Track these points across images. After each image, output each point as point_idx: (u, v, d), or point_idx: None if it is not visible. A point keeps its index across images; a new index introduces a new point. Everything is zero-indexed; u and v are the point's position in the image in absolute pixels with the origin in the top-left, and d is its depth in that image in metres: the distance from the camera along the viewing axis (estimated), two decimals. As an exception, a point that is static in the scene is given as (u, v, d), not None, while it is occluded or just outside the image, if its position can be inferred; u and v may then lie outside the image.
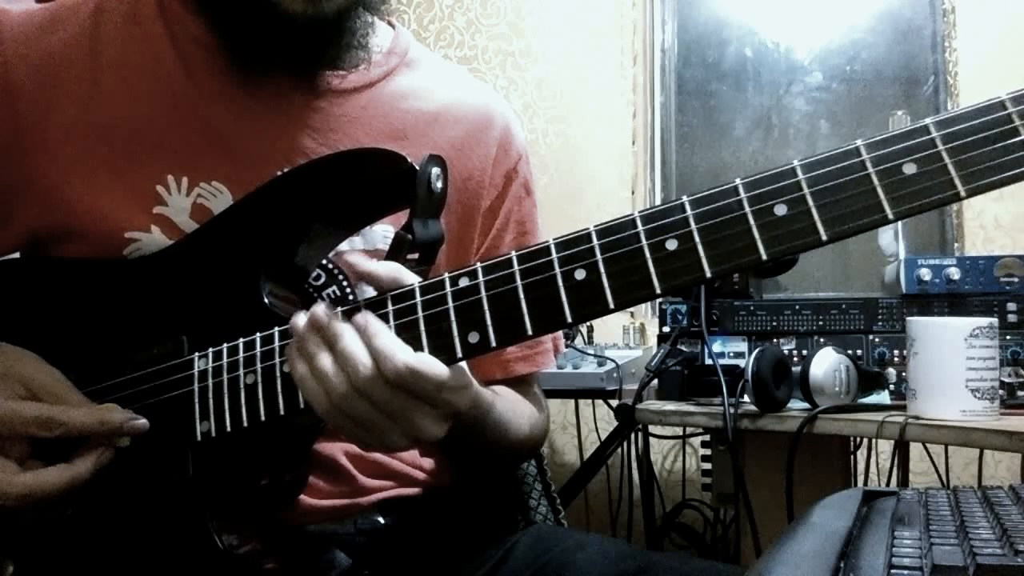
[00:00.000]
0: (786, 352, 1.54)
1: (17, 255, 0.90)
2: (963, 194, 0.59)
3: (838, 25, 2.64)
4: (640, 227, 0.65)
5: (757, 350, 1.44)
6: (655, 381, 1.60)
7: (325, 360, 0.69)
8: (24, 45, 0.86)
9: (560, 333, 1.04)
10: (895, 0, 2.61)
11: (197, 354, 0.77)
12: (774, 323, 1.59)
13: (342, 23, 0.85)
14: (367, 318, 0.70)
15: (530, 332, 0.67)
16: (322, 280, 0.88)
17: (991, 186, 0.59)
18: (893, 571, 0.46)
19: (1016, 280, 1.52)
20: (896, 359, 1.53)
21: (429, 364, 0.68)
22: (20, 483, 0.74)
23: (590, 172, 2.71)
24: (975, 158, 0.59)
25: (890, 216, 0.60)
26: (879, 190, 0.60)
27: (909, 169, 0.60)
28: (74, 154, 0.85)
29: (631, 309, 2.59)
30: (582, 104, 2.74)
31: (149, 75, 0.87)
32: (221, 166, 0.86)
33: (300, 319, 0.71)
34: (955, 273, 1.53)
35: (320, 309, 0.70)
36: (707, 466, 1.79)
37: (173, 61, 0.88)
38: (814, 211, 0.62)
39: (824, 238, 0.62)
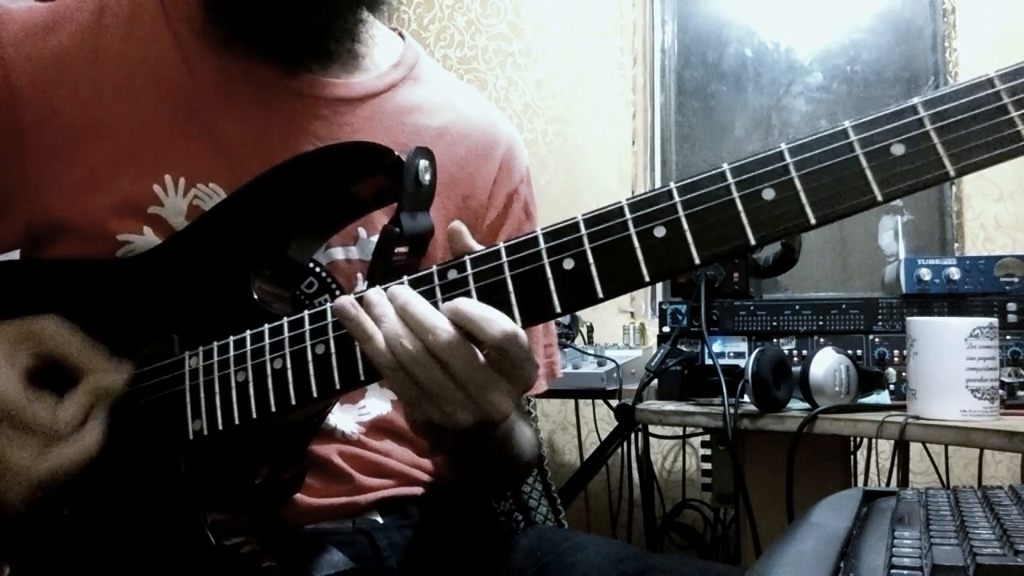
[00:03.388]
0: (786, 352, 1.54)
1: (16, 255, 0.90)
2: (952, 173, 0.59)
3: (838, 25, 2.64)
4: (628, 215, 0.65)
5: (757, 350, 1.43)
6: (655, 381, 1.60)
7: (394, 323, 0.67)
8: (26, 45, 0.85)
9: (557, 357, 1.04)
10: (895, 0, 2.61)
11: (188, 353, 0.77)
12: (774, 323, 1.59)
13: (333, 12, 0.85)
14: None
15: (519, 324, 0.67)
16: (315, 288, 0.88)
17: (981, 164, 0.58)
18: (893, 571, 0.46)
19: (1016, 280, 1.52)
20: (896, 359, 1.53)
21: (519, 330, 0.67)
22: (49, 464, 0.73)
23: (590, 172, 2.71)
24: (964, 137, 0.58)
25: (879, 198, 0.60)
26: (867, 172, 0.60)
27: (897, 150, 0.60)
28: (74, 153, 0.85)
29: (631, 309, 2.60)
30: (582, 104, 2.74)
31: (151, 74, 0.87)
32: (219, 168, 0.86)
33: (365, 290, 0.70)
34: (955, 273, 1.53)
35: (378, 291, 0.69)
36: (707, 466, 1.79)
37: (176, 61, 0.87)
38: (802, 194, 0.61)
39: (812, 221, 0.61)
